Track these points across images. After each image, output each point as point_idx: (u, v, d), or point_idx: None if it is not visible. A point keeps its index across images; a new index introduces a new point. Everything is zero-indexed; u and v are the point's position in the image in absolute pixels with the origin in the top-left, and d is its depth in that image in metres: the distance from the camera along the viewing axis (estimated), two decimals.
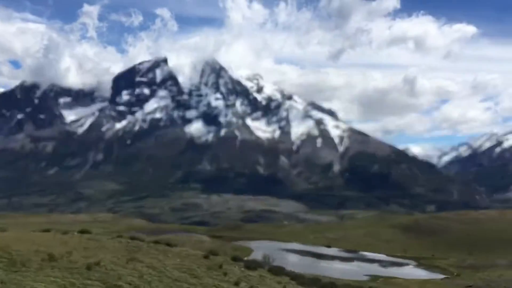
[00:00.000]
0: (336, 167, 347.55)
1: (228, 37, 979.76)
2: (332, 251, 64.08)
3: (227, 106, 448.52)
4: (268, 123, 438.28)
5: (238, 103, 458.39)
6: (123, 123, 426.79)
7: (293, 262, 54.84)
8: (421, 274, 52.24)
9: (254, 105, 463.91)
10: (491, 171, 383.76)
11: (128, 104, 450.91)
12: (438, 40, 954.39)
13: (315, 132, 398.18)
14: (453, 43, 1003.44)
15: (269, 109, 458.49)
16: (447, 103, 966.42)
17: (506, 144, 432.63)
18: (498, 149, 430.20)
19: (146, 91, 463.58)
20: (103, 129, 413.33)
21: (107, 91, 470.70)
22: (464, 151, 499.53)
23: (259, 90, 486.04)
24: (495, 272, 51.19)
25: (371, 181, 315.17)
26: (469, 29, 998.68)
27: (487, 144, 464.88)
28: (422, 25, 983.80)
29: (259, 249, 60.02)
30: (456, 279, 47.53)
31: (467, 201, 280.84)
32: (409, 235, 74.71)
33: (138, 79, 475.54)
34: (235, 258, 26.35)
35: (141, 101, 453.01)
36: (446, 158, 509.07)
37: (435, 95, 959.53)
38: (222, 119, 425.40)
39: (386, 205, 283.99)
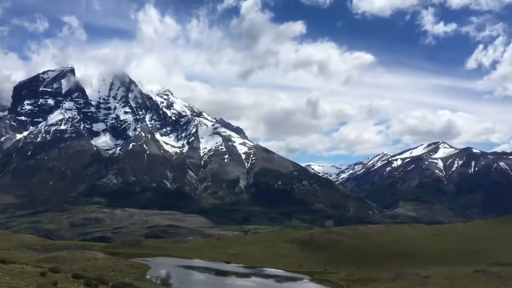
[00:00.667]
0: (242, 183, 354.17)
1: (139, 50, 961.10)
2: (230, 267, 65.92)
3: (136, 120, 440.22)
4: (177, 138, 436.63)
5: (147, 118, 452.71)
6: (24, 133, 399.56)
7: (189, 279, 56.41)
8: None
9: (163, 120, 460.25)
10: (382, 188, 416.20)
11: (31, 114, 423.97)
12: (339, 66, 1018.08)
13: (223, 148, 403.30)
14: (353, 70, 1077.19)
15: (178, 125, 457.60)
16: (345, 125, 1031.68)
17: (395, 164, 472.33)
18: (388, 168, 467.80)
19: (51, 101, 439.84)
20: (2, 139, 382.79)
21: (7, 100, 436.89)
22: (359, 170, 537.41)
23: (169, 105, 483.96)
24: (380, 285, 55.76)
25: (275, 197, 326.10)
26: (367, 57, 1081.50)
27: (379, 164, 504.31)
28: (325, 51, 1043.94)
29: (157, 265, 60.65)
30: None
31: (361, 216, 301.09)
32: (305, 249, 78.60)
33: (42, 88, 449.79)
34: (77, 276, 25.27)
35: (44, 111, 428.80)
36: (343, 176, 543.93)
37: (335, 117, 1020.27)
38: (130, 133, 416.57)
39: (289, 220, 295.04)
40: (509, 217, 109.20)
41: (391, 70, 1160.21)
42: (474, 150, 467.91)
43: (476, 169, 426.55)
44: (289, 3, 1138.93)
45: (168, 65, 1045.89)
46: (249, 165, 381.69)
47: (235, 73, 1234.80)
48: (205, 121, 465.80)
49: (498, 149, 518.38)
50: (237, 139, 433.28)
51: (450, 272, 58.71)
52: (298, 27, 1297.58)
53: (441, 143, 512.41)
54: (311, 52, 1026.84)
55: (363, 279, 58.98)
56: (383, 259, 70.27)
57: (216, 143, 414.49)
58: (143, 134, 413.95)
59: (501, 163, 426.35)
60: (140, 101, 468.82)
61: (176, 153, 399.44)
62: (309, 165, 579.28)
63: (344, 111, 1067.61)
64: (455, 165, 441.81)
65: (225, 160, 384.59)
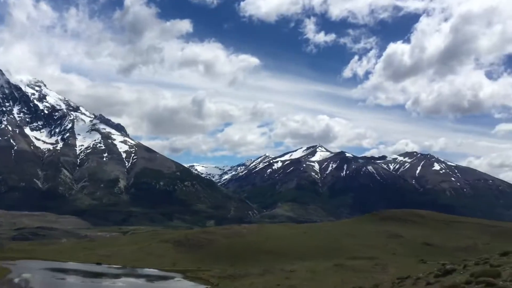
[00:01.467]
0: (122, 183, 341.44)
1: (8, 36, 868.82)
2: (101, 268, 64.13)
3: (2, 112, 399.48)
4: (50, 134, 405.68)
5: (15, 110, 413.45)
6: None
7: (53, 282, 53.64)
8: (186, 285, 57.01)
9: (34, 114, 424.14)
10: (263, 189, 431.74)
11: None
12: (225, 67, 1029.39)
13: (102, 146, 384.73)
14: (238, 72, 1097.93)
15: (52, 119, 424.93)
16: (229, 126, 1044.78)
17: (275, 166, 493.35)
18: (269, 170, 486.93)
19: None
20: None
21: None
22: (241, 171, 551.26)
23: (42, 98, 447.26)
24: (248, 280, 58.80)
25: (156, 198, 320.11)
26: (253, 60, 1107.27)
27: (261, 166, 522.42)
28: (212, 51, 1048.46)
29: (19, 269, 56.68)
30: None
31: (241, 216, 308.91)
32: (180, 249, 79.34)
33: None
34: None
35: None
36: (225, 177, 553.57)
37: (220, 118, 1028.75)
38: None
39: (170, 220, 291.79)
40: (369, 216, 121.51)
41: (275, 74, 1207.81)
42: (347, 154, 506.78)
43: (348, 172, 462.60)
44: (176, 0, 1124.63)
45: (41, 55, 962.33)
46: (129, 164, 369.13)
47: (116, 67, 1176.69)
48: (83, 117, 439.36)
49: (368, 154, 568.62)
50: (117, 137, 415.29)
51: (313, 266, 63.84)
52: (185, 25, 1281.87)
53: (319, 146, 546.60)
54: (197, 51, 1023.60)
55: (234, 275, 61.87)
56: (254, 256, 74.19)
57: (95, 140, 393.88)
58: (9, 128, 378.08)
59: (369, 167, 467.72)
60: (7, 91, 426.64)
61: (48, 150, 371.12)
62: (193, 165, 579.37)
63: (229, 112, 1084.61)
64: (330, 168, 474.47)
65: (104, 159, 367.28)
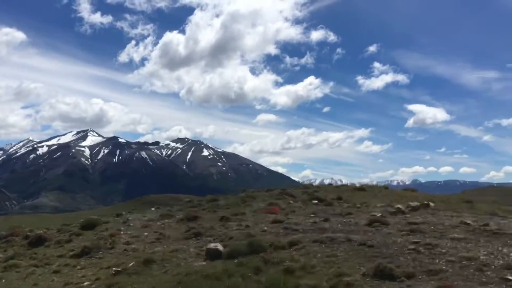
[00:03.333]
0: None
1: None
2: None
3: None
4: None
5: None
6: None
7: None
8: None
9: None
10: (24, 177, 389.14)
11: None
12: None
13: None
14: (1, 47, 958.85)
15: None
16: None
17: (40, 151, 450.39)
18: (32, 156, 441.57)
19: None
20: None
21: None
22: None
23: None
24: None
25: None
26: (18, 35, 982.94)
27: (23, 150, 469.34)
28: None
29: None
30: None
31: None
32: None
33: None
34: None
35: None
36: None
37: None
38: None
39: None
40: (132, 202, 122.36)
41: (44, 52, 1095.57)
42: (120, 140, 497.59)
43: (120, 158, 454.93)
44: None
45: None
46: None
47: None
48: None
49: (143, 139, 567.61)
50: None
51: None
52: None
53: (90, 131, 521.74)
54: None
55: None
56: None
57: None
58: None
59: (143, 153, 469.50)
60: None
61: None
62: None
63: None
64: (102, 153, 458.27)
65: None
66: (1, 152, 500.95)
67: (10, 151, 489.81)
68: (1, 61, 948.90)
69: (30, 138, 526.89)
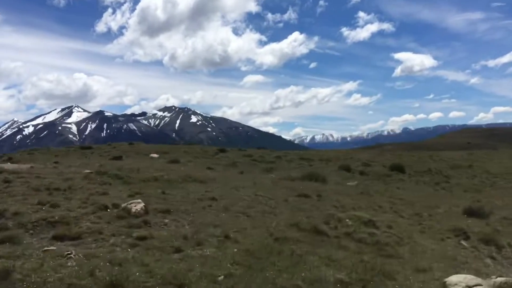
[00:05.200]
0: None
1: None
2: None
3: None
4: None
5: None
6: None
7: None
8: None
9: None
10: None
11: None
12: None
13: None
14: None
15: None
16: None
17: (26, 132, 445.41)
18: (19, 136, 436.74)
19: None
20: None
21: None
22: None
23: None
24: None
25: None
26: None
27: (9, 132, 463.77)
28: None
29: None
30: None
31: None
32: None
33: None
34: None
35: None
36: None
37: None
38: None
39: None
40: None
41: (20, 29, 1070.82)
42: (107, 113, 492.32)
43: (108, 131, 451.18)
44: None
45: None
46: None
47: None
48: None
49: (130, 111, 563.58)
50: None
51: None
52: None
53: (75, 107, 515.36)
54: None
55: None
56: None
57: None
58: None
59: (130, 124, 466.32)
60: None
61: None
62: None
63: None
64: (89, 128, 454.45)
65: None
66: None
67: None
68: None
69: (15, 119, 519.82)
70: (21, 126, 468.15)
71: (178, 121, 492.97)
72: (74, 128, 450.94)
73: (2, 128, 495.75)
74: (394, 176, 24.28)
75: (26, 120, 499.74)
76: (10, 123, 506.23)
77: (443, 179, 24.53)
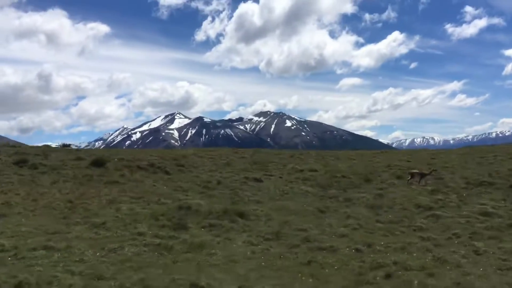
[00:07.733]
0: None
1: None
2: None
3: None
4: None
5: None
6: None
7: None
8: None
9: None
10: None
11: None
12: (72, 36, 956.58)
13: None
14: (88, 41, 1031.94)
15: None
16: (84, 100, 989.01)
17: (134, 138, 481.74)
18: (128, 142, 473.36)
19: None
20: None
21: None
22: (99, 146, 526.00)
23: None
24: None
25: None
26: (103, 28, 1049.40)
27: (119, 138, 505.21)
28: (55, 20, 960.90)
29: None
30: None
31: None
32: None
33: None
34: None
35: None
36: None
37: (71, 92, 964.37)
38: None
39: None
40: None
41: (128, 42, 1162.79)
42: (205, 119, 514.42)
43: (207, 136, 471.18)
44: None
45: None
46: None
47: None
48: None
49: (229, 117, 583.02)
50: None
51: None
52: None
53: (177, 113, 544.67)
54: (38, 20, 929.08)
55: None
56: None
57: None
58: None
59: (227, 130, 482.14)
60: None
61: None
62: (47, 145, 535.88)
63: (81, 84, 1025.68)
64: (189, 134, 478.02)
65: None
66: (102, 141, 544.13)
67: (108, 139, 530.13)
68: (90, 55, 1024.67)
69: (125, 126, 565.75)
70: (129, 133, 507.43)
71: (273, 126, 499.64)
72: (176, 134, 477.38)
73: (113, 134, 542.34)
74: None
75: (134, 126, 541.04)
76: (120, 129, 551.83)
77: None
